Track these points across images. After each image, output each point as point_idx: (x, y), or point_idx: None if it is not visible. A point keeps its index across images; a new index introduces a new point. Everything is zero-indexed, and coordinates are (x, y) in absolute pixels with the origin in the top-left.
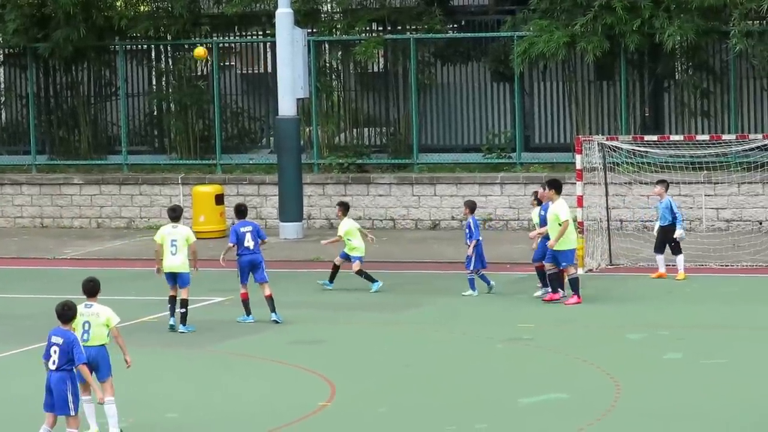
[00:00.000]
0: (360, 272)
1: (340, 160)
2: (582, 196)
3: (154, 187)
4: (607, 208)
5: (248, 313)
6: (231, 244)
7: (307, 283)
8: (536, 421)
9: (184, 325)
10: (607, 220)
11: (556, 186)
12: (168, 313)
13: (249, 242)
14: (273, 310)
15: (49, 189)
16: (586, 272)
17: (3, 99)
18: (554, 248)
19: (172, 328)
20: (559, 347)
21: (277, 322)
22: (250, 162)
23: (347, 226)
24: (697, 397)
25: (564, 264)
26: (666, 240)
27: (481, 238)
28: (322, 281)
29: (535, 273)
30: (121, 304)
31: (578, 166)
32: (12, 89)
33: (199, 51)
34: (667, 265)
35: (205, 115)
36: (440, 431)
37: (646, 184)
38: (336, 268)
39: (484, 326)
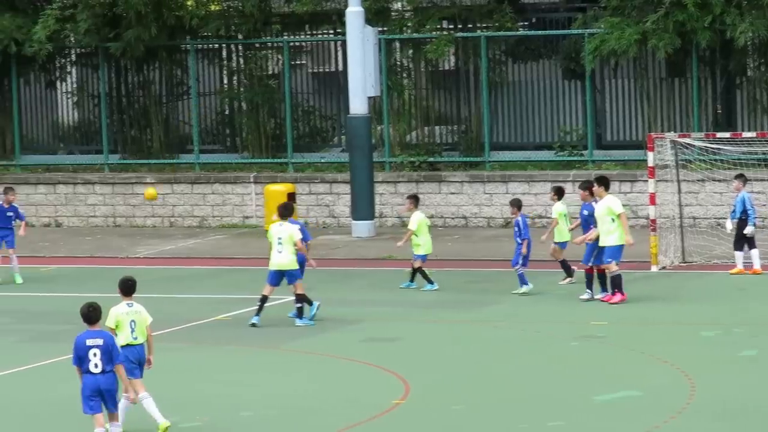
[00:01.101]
0: (419, 270)
1: (412, 159)
2: (654, 194)
3: (226, 185)
4: (680, 206)
5: (310, 302)
6: (309, 240)
7: (379, 281)
8: (610, 419)
9: (301, 318)
10: (680, 218)
11: (604, 183)
12: (256, 309)
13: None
14: (309, 303)
15: (122, 188)
16: (659, 269)
17: (75, 99)
18: (603, 244)
19: (254, 325)
20: (633, 345)
21: (309, 316)
22: (322, 160)
23: (418, 218)
24: None
25: (609, 260)
26: (739, 234)
27: (529, 237)
28: (405, 284)
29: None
30: (193, 302)
31: (650, 164)
32: (84, 89)
33: (151, 192)
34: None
35: (276, 114)
36: (513, 429)
37: (719, 181)
38: (418, 270)
39: (557, 324)
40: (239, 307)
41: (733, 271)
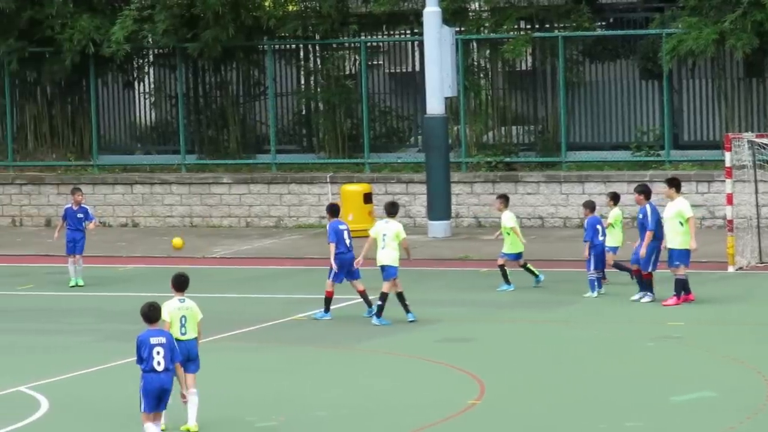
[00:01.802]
0: (501, 267)
1: (488, 159)
2: (731, 194)
3: (303, 186)
4: (757, 206)
5: (327, 310)
6: (332, 243)
7: (455, 281)
8: (687, 420)
9: (379, 317)
10: (757, 218)
11: (676, 184)
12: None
13: (347, 239)
14: (369, 305)
15: (199, 188)
16: (736, 270)
17: (153, 99)
18: (671, 247)
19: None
20: (709, 345)
21: (370, 314)
22: (398, 161)
23: (512, 218)
24: None
25: (677, 263)
26: None
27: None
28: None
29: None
30: (269, 302)
31: (727, 164)
32: (161, 89)
33: (177, 242)
34: None
35: (353, 114)
36: (591, 429)
37: None
38: (525, 266)
39: (633, 325)
40: (315, 306)
41: None
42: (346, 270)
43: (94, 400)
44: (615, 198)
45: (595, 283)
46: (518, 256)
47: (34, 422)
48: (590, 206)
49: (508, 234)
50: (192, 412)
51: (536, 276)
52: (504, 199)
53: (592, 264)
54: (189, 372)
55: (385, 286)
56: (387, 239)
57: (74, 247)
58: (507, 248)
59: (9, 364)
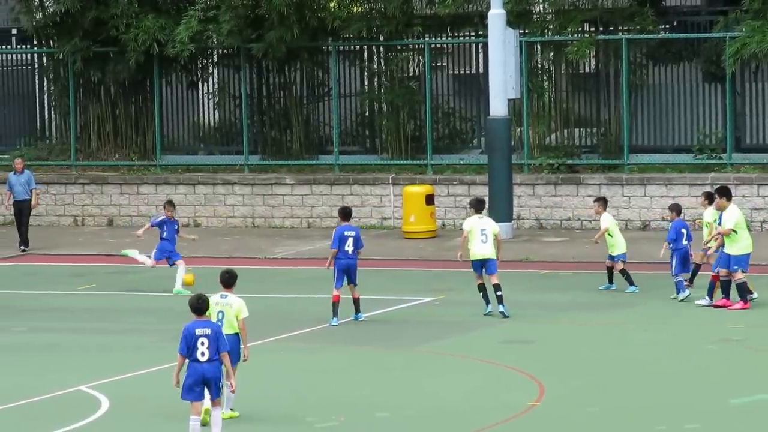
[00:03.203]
0: (622, 271)
1: (551, 161)
2: None
3: (365, 187)
4: None
5: (335, 315)
6: (333, 249)
7: (516, 283)
8: (747, 422)
9: (503, 304)
10: None
11: (726, 193)
12: (482, 301)
13: (349, 246)
14: (358, 311)
15: (261, 189)
16: None
17: (216, 99)
18: (728, 252)
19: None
20: None
21: (358, 318)
22: (461, 162)
23: (610, 220)
24: None
25: (735, 268)
26: None
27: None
28: (603, 286)
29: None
30: (330, 303)
31: None
32: (225, 90)
33: (188, 279)
34: None
35: (416, 116)
36: (650, 431)
37: None
38: (609, 270)
39: (694, 327)
40: (375, 307)
41: None
42: (343, 275)
43: (155, 399)
44: (710, 198)
45: (683, 284)
46: (622, 256)
47: (95, 421)
48: (676, 209)
49: (611, 236)
50: (226, 404)
51: (631, 285)
52: (602, 201)
53: (677, 267)
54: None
55: (495, 278)
56: (487, 233)
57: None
58: (612, 250)
59: (70, 363)
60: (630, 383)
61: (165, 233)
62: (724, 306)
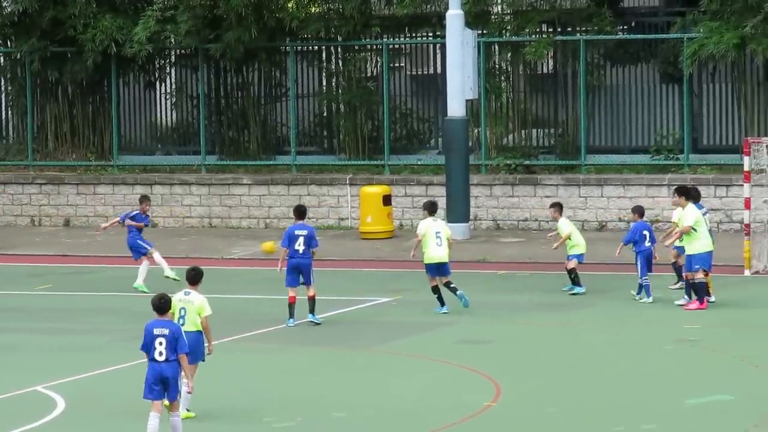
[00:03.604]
0: (572, 271)
1: (508, 161)
2: (750, 198)
3: (322, 187)
4: None
5: (291, 315)
6: (283, 248)
7: (473, 283)
8: (702, 423)
9: (460, 292)
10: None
11: (685, 192)
12: (438, 303)
13: (299, 246)
14: (312, 311)
15: (218, 189)
16: (752, 274)
17: (174, 100)
18: (689, 252)
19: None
20: (725, 349)
21: (313, 323)
22: (418, 163)
23: (569, 225)
24: None
25: (697, 267)
26: None
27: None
28: (566, 287)
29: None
30: (287, 303)
31: (746, 168)
32: (183, 90)
33: (268, 246)
34: None
35: (373, 116)
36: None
37: None
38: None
39: (651, 328)
40: (333, 308)
41: None
42: (295, 275)
43: (112, 398)
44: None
45: (649, 288)
46: (581, 257)
47: (51, 422)
48: (638, 211)
49: (569, 239)
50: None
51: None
52: (558, 207)
53: (643, 269)
54: (190, 363)
55: (442, 280)
56: (441, 236)
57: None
58: (571, 251)
59: (27, 364)
60: (587, 384)
61: (134, 230)
62: (699, 308)
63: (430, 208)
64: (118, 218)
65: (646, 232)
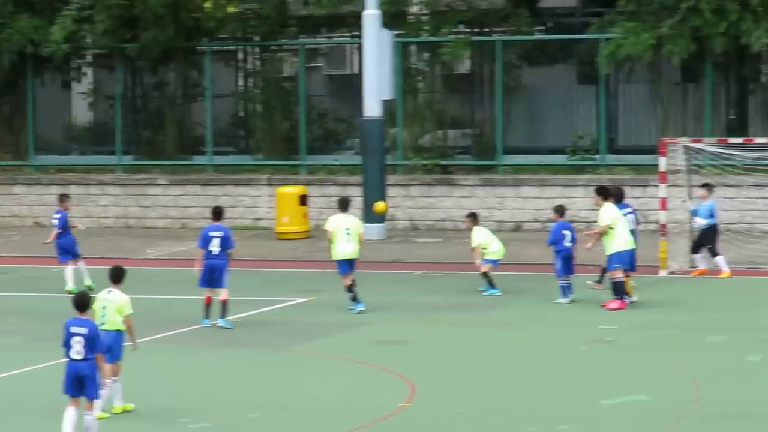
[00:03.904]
0: (484, 274)
1: (425, 162)
2: (665, 199)
3: (239, 187)
4: (690, 211)
5: (206, 316)
6: (199, 249)
7: (389, 284)
8: (617, 423)
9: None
10: (690, 223)
11: (602, 192)
12: (350, 299)
13: (214, 247)
14: (222, 315)
15: (134, 189)
16: (668, 274)
17: (90, 100)
18: (607, 252)
19: (361, 311)
20: (641, 349)
21: (222, 327)
22: (335, 163)
23: (483, 233)
24: None
25: (615, 266)
26: (705, 242)
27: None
28: (482, 288)
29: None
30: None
31: (662, 168)
32: (99, 90)
33: (381, 206)
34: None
35: (290, 116)
36: None
37: (730, 186)
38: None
39: (566, 328)
40: (249, 308)
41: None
42: (208, 276)
43: (25, 399)
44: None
45: (567, 289)
46: (495, 262)
47: None
48: (559, 210)
49: (484, 249)
50: (117, 396)
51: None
52: (473, 217)
53: (561, 268)
54: (109, 361)
55: (348, 279)
56: (351, 233)
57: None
58: (486, 256)
59: None
60: (502, 384)
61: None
62: (620, 308)
63: (341, 204)
64: (55, 230)
65: (566, 232)
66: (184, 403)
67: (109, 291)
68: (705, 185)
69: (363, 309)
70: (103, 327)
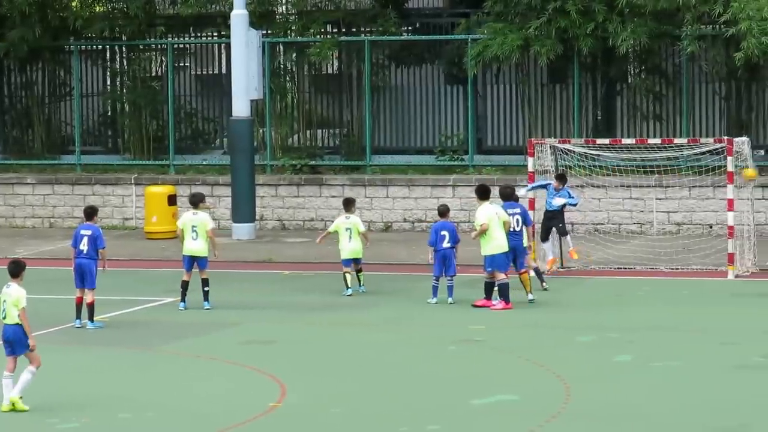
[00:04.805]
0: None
1: (293, 162)
2: (534, 200)
3: (107, 187)
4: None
5: (78, 316)
6: (72, 248)
7: (259, 284)
8: (487, 423)
9: (208, 302)
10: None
11: (478, 192)
12: (180, 297)
13: (84, 246)
14: (90, 318)
15: (2, 188)
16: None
17: None
18: (484, 253)
19: (184, 308)
20: (511, 349)
21: (96, 328)
22: (204, 163)
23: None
24: (647, 399)
25: (489, 269)
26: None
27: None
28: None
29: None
30: (72, 303)
31: (530, 169)
32: None
33: (751, 174)
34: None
35: (158, 116)
36: None
37: (597, 187)
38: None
39: (436, 328)
40: (118, 308)
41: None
42: (79, 275)
43: None
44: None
45: (437, 290)
46: (348, 263)
47: None
48: (440, 210)
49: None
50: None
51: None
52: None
53: (436, 268)
54: (7, 354)
55: (204, 274)
56: (197, 230)
57: None
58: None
59: None
60: (373, 385)
61: None
62: (485, 306)
63: (192, 200)
64: None
65: (443, 233)
66: (53, 404)
67: (8, 285)
68: (559, 176)
69: (210, 308)
70: (5, 321)
